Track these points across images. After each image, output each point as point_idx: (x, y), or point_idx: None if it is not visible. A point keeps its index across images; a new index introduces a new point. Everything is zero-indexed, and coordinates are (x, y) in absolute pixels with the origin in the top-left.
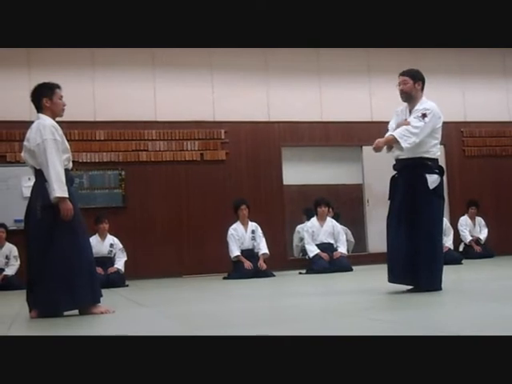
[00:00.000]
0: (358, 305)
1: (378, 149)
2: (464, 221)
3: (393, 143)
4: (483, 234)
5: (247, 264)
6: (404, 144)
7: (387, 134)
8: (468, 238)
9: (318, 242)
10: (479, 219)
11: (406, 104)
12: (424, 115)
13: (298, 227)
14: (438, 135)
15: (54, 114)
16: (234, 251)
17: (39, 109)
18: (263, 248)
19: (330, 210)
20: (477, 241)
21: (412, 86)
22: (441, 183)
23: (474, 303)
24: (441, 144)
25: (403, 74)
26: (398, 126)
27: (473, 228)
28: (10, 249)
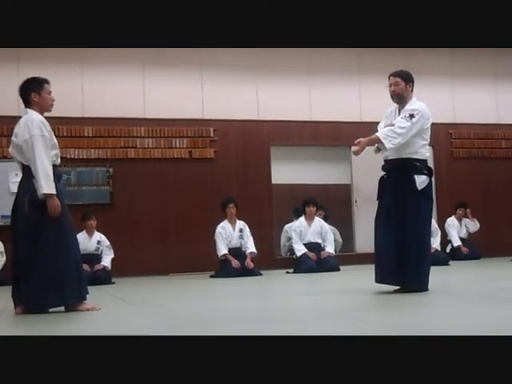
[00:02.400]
0: (345, 305)
1: (359, 150)
2: (451, 222)
3: (376, 143)
4: (473, 228)
5: (234, 263)
6: (388, 145)
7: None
8: (457, 242)
9: (305, 242)
10: (466, 221)
11: (395, 105)
12: (412, 116)
13: (286, 226)
14: (427, 136)
15: (43, 109)
16: (222, 250)
17: (27, 104)
18: (251, 247)
19: (321, 212)
20: (466, 239)
21: (404, 88)
22: (429, 184)
23: (460, 304)
24: (429, 145)
25: (395, 75)
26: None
27: (459, 229)
28: None
